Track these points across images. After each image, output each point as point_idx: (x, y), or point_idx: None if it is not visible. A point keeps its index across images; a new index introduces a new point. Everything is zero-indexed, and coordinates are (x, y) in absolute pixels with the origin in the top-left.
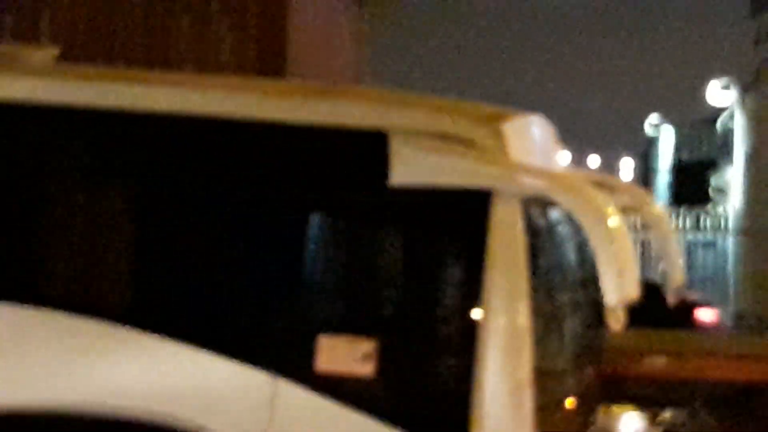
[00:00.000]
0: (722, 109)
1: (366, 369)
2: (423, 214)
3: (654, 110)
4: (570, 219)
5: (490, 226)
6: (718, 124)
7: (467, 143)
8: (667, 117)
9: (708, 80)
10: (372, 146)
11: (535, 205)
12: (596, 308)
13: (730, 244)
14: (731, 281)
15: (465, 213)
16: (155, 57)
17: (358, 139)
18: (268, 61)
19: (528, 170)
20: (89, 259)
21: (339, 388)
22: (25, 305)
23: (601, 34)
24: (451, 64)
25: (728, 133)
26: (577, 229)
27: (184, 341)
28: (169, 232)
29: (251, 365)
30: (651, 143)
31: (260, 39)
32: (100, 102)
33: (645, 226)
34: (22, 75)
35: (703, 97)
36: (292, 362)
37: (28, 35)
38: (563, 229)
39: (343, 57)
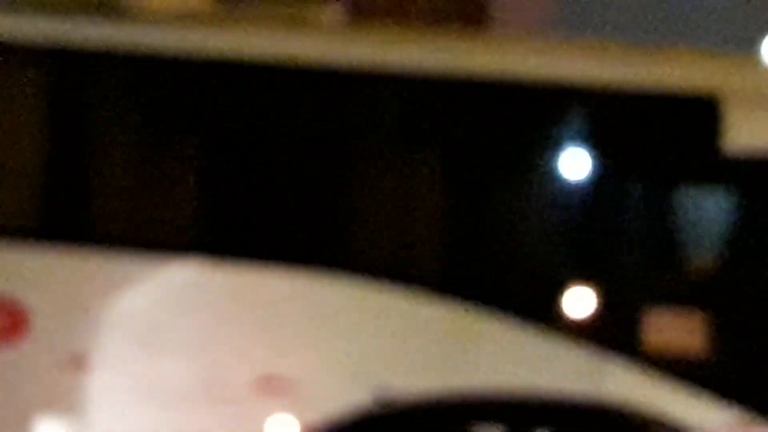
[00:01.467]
0: None
1: (696, 343)
2: (760, 181)
3: None
4: None
5: None
6: None
7: None
8: None
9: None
10: (703, 111)
11: None
12: None
13: None
14: None
15: None
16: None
17: (688, 104)
18: (465, 7)
19: None
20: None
21: (668, 362)
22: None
23: None
24: None
25: None
26: None
27: (504, 314)
28: (487, 203)
29: (575, 337)
30: None
31: None
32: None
33: None
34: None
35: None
36: (618, 335)
37: None
38: None
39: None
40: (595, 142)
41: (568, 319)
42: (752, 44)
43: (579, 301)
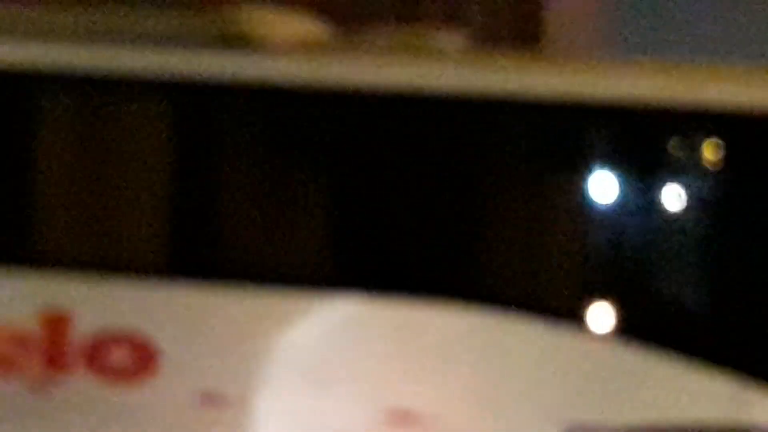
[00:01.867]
0: None
1: None
2: None
3: None
4: None
5: None
6: None
7: None
8: None
9: None
10: None
11: None
12: None
13: None
14: None
15: None
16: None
17: None
18: (523, 24)
19: None
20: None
21: None
22: None
23: None
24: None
25: None
26: None
27: (645, 343)
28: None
29: (716, 365)
30: None
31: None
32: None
33: None
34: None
35: None
36: (758, 362)
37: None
38: None
39: (589, 20)
40: (721, 165)
41: (715, 349)
42: None
43: (722, 331)
